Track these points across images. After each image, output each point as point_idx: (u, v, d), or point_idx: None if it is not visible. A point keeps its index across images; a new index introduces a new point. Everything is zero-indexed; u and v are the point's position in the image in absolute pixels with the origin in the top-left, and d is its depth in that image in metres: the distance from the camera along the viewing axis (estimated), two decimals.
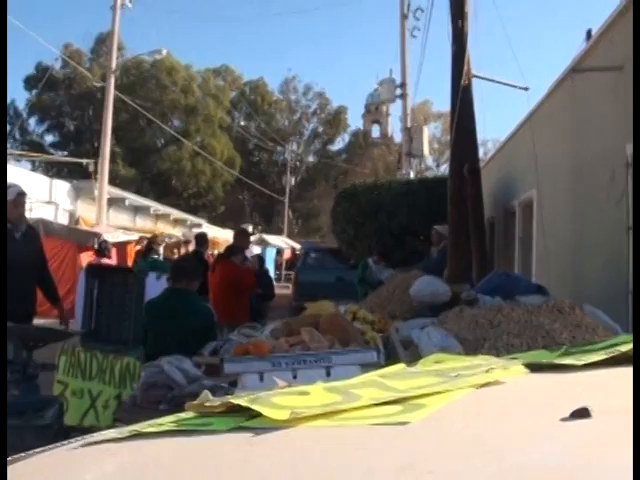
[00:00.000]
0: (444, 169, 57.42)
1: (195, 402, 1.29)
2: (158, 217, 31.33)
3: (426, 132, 21.41)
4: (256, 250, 22.76)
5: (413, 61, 21.31)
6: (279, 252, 39.56)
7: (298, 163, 60.28)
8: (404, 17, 20.80)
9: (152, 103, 42.49)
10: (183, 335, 4.10)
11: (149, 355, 4.24)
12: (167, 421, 1.27)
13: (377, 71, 70.22)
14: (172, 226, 31.92)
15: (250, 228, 38.60)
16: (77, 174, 45.47)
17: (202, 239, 11.21)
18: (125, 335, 5.37)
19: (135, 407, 3.16)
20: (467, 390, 1.22)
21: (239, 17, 78.30)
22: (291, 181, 55.02)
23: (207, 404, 1.25)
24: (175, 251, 15.24)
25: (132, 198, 27.71)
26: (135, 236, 19.33)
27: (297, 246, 43.10)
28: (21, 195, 5.49)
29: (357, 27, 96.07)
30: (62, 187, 24.68)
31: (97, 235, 17.31)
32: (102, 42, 49.56)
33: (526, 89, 11.32)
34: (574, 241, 9.25)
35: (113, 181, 25.30)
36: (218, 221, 45.22)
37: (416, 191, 15.45)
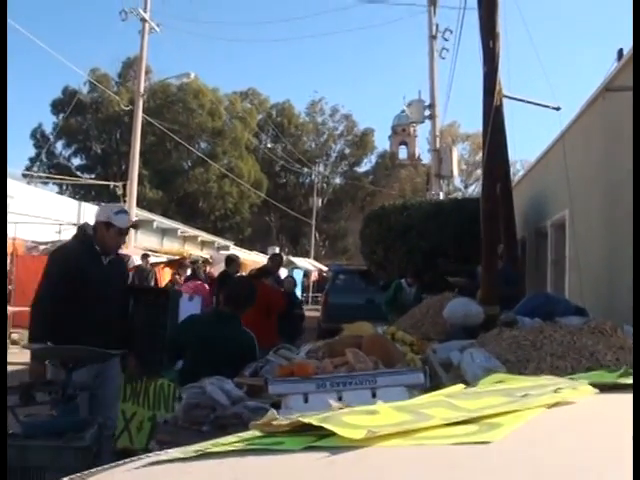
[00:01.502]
0: (472, 190, 57.26)
1: (261, 421, 1.28)
2: (186, 239, 31.57)
3: (455, 153, 21.39)
4: (283, 273, 22.81)
5: (441, 82, 21.38)
6: (306, 274, 39.56)
7: (325, 185, 60.50)
8: (433, 38, 20.86)
9: (179, 126, 42.97)
10: (223, 359, 4.10)
11: (185, 374, 4.23)
12: (232, 441, 1.26)
13: (404, 92, 70.41)
14: (200, 248, 32.11)
15: (277, 250, 38.74)
16: (104, 197, 46.07)
17: (229, 261, 11.33)
18: (158, 357, 5.37)
19: (177, 428, 3.16)
20: (539, 410, 1.20)
21: (266, 38, 79.15)
22: (318, 203, 55.18)
23: (274, 423, 1.23)
24: (179, 271, 15.53)
25: (160, 220, 27.97)
26: (163, 258, 19.45)
27: (324, 268, 43.11)
28: (134, 227, 5.34)
29: (384, 49, 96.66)
30: (90, 210, 24.97)
31: (126, 257, 17.44)
32: (129, 66, 50.42)
33: (558, 109, 11.28)
34: (609, 262, 9.14)
35: (140, 203, 25.58)
36: (245, 243, 45.47)
37: (447, 211, 15.44)
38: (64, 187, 46.93)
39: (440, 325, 9.35)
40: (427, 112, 21.45)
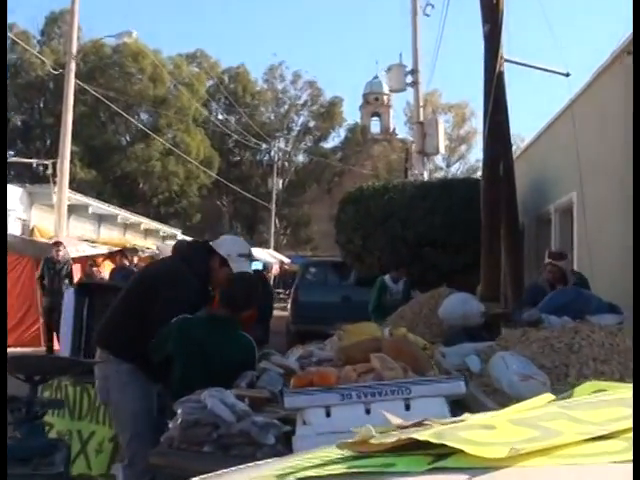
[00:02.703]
0: (456, 169, 57.73)
1: (354, 439, 1.29)
2: (127, 227, 31.32)
3: (442, 126, 21.50)
4: None
5: (424, 44, 21.43)
6: (265, 267, 39.55)
7: (286, 163, 60.41)
8: None
9: (115, 93, 42.49)
10: (219, 368, 4.09)
11: (174, 386, 4.22)
12: (318, 463, 1.27)
13: (377, 56, 70.60)
14: (143, 237, 31.88)
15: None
16: (26, 178, 45.43)
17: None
18: None
19: (172, 450, 3.14)
20: None
21: None
22: (278, 184, 55.12)
23: (374, 442, 1.25)
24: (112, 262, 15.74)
25: (96, 205, 27.69)
26: (103, 249, 19.27)
27: (286, 259, 43.15)
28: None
29: (354, 4, 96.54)
30: (13, 192, 24.62)
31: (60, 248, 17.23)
32: (53, 22, 49.70)
33: (567, 75, 11.44)
34: (625, 250, 9.28)
35: (70, 185, 25.26)
36: (193, 231, 45.21)
37: (434, 194, 15.52)
38: None
39: (436, 326, 9.45)
40: (409, 79, 21.50)
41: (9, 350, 8.44)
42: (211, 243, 5.06)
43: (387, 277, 13.11)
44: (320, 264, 19.08)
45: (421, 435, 1.19)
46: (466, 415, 1.51)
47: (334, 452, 1.37)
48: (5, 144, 10.34)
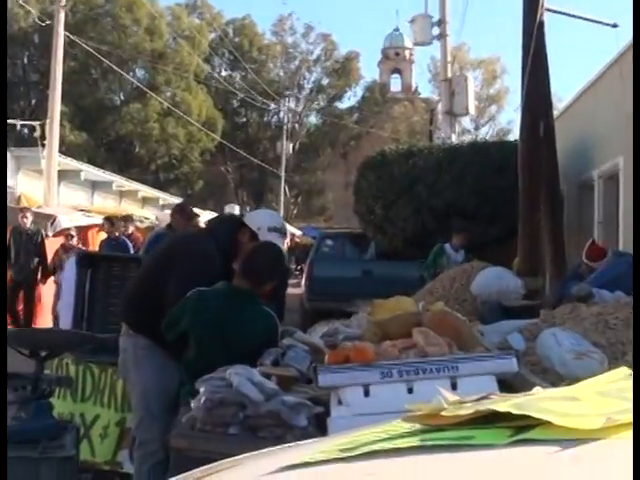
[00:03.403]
0: (485, 132, 57.47)
1: (423, 412, 1.31)
2: (122, 195, 31.34)
3: (472, 83, 21.40)
4: None
5: None
6: None
7: (297, 125, 60.28)
8: None
9: (108, 48, 42.40)
10: (240, 346, 4.12)
11: (191, 365, 4.27)
12: (387, 437, 1.30)
13: (397, 6, 70.07)
14: (140, 206, 31.93)
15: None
16: (11, 140, 45.46)
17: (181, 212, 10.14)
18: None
19: (194, 431, 3.18)
20: None
21: None
22: (288, 148, 55.03)
23: (446, 414, 1.27)
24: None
25: (89, 171, 27.67)
26: (99, 219, 19.33)
27: (297, 232, 43.22)
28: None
29: None
30: None
31: (50, 218, 17.33)
32: None
33: (614, 26, 11.36)
34: None
35: (59, 148, 25.27)
36: (195, 200, 45.26)
37: (464, 159, 15.49)
38: None
39: (468, 303, 9.49)
40: (434, 30, 21.36)
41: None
42: (244, 216, 5.09)
43: (447, 245, 12.99)
44: (338, 236, 19.04)
45: (501, 406, 1.21)
46: (537, 389, 1.53)
47: (398, 426, 1.39)
48: (5, 144, 10.42)
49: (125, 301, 5.12)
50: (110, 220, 15.03)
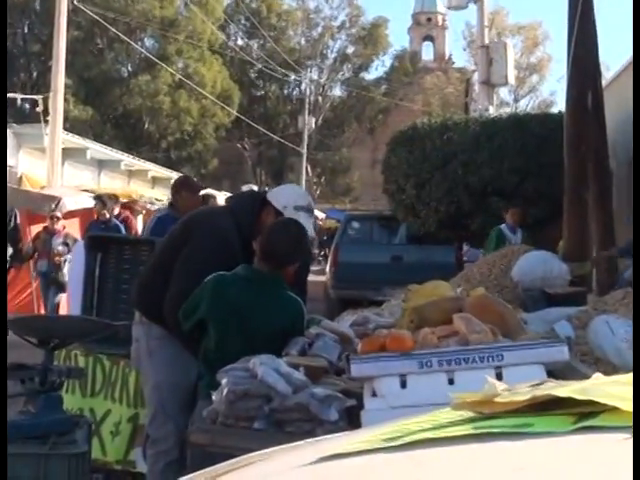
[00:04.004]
0: (525, 105, 57.15)
1: (474, 399, 1.31)
2: (131, 174, 31.42)
3: (511, 51, 21.29)
4: None
5: None
6: None
7: (320, 98, 60.18)
8: None
9: (114, 15, 42.47)
10: (262, 335, 4.13)
11: (209, 354, 4.29)
12: (433, 426, 1.30)
13: None
14: (150, 186, 32.02)
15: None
16: (10, 115, 45.68)
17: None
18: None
19: (216, 426, 3.20)
20: None
21: None
22: (310, 123, 54.93)
23: (501, 400, 1.27)
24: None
25: (96, 149, 27.76)
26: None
27: (320, 214, 43.21)
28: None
29: None
30: None
31: (54, 199, 17.39)
32: None
33: None
34: None
35: (62, 124, 25.36)
36: (210, 180, 45.33)
37: (503, 133, 15.44)
38: None
39: (508, 290, 9.45)
40: None
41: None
42: (267, 193, 5.05)
43: (504, 226, 12.88)
44: (365, 218, 19.03)
45: (561, 392, 1.21)
46: (597, 375, 1.53)
47: (445, 414, 1.39)
48: (5, 144, 10.37)
49: (138, 287, 5.11)
50: (101, 199, 14.71)
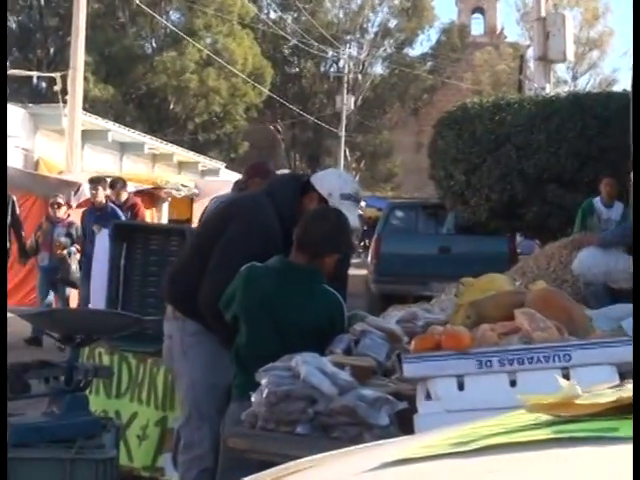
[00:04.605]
0: (584, 83, 56.69)
1: (553, 400, 1.30)
2: (155, 159, 31.55)
3: (570, 24, 21.12)
4: None
5: None
6: None
7: (359, 76, 60.06)
8: None
9: None
10: (299, 332, 4.13)
11: (239, 354, 4.30)
12: (504, 430, 1.29)
13: None
14: (176, 171, 32.16)
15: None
16: (26, 95, 46.03)
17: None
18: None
19: (255, 430, 3.21)
20: None
21: None
22: (349, 103, 54.88)
23: (583, 402, 1.26)
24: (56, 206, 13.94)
25: (118, 131, 27.89)
26: (130, 186, 19.49)
27: (360, 202, 43.16)
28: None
29: None
30: (14, 114, 24.98)
31: (74, 186, 17.50)
32: None
33: None
34: None
35: (82, 105, 25.51)
36: (240, 164, 45.41)
37: (562, 114, 15.35)
38: None
39: (569, 284, 9.42)
40: None
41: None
42: (311, 177, 5.02)
43: (597, 199, 12.28)
44: (410, 207, 19.01)
45: None
46: None
47: (518, 417, 1.39)
48: (5, 144, 10.38)
49: (170, 279, 5.10)
50: (94, 181, 13.83)
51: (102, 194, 13.33)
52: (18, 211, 14.03)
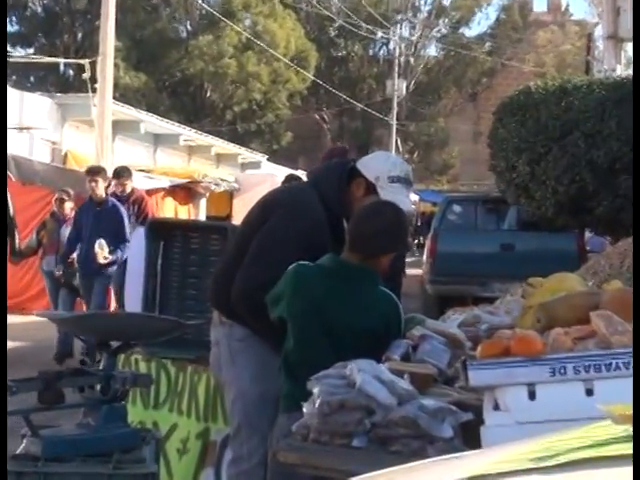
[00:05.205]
0: None
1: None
2: (192, 151, 31.70)
3: None
4: None
5: None
6: None
7: (412, 59, 60.00)
8: None
9: None
10: (352, 337, 4.13)
11: (287, 360, 4.30)
12: (590, 443, 1.28)
13: None
14: (214, 165, 32.29)
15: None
16: (52, 83, 46.43)
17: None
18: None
19: (307, 443, 3.20)
20: None
21: None
22: (401, 89, 54.80)
23: None
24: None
25: (151, 121, 28.04)
26: (164, 182, 19.62)
27: (413, 197, 43.09)
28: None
29: None
30: (40, 105, 25.18)
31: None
32: None
33: None
34: None
35: (113, 94, 25.69)
36: (282, 157, 45.51)
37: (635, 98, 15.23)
38: None
39: None
40: None
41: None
42: (357, 162, 4.98)
43: None
44: (468, 201, 18.96)
45: None
46: None
47: (604, 429, 1.38)
48: (5, 144, 10.18)
49: (214, 282, 5.08)
50: (92, 172, 12.70)
51: (102, 187, 12.45)
52: (11, 212, 12.94)
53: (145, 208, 13.11)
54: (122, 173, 13.25)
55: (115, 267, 11.90)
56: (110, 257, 11.62)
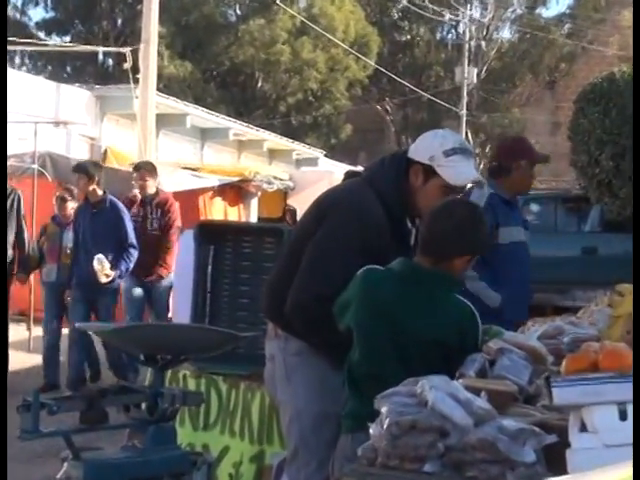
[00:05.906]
0: None
1: None
2: (242, 146, 31.80)
3: None
4: None
5: None
6: None
7: (483, 43, 59.74)
8: None
9: None
10: (424, 349, 4.12)
11: (351, 374, 4.30)
12: None
13: None
14: (267, 161, 32.36)
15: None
16: (89, 75, 46.84)
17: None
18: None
19: (375, 468, 3.20)
20: None
21: None
22: (471, 76, 54.59)
23: None
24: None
25: (197, 115, 28.20)
26: (212, 180, 19.68)
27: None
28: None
29: None
30: (77, 97, 25.41)
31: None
32: None
33: None
34: None
35: (156, 85, 25.77)
36: (341, 153, 45.53)
37: None
38: (19, 58, 47.71)
39: None
40: None
41: None
42: (409, 150, 4.95)
43: None
44: (547, 199, 18.85)
45: None
46: None
47: None
48: (5, 143, 10.22)
49: (268, 291, 5.09)
50: (84, 169, 11.72)
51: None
52: (23, 210, 12.31)
53: (170, 213, 12.11)
54: (143, 167, 12.54)
55: (121, 281, 11.41)
56: (112, 273, 10.94)
